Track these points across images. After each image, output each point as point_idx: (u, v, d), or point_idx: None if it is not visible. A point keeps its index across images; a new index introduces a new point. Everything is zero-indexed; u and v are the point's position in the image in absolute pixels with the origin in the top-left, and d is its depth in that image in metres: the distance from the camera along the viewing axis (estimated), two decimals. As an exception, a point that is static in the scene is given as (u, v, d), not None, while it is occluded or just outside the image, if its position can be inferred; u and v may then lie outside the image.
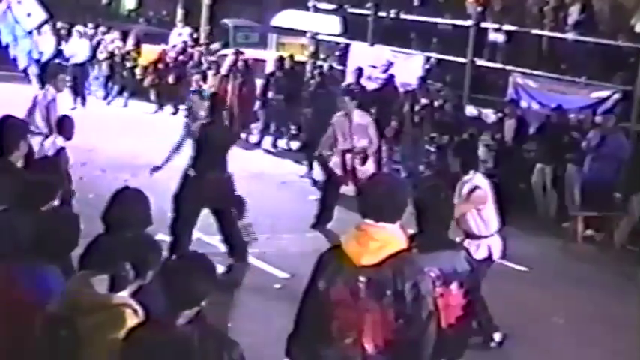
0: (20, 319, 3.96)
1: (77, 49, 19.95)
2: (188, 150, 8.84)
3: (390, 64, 17.01)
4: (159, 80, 19.92)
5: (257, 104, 17.15)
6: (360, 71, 16.05)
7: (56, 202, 4.89)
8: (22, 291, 4.04)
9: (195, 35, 22.75)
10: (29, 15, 16.09)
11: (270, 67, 17.64)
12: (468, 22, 16.15)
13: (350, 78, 16.87)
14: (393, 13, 17.91)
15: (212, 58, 18.93)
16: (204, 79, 18.47)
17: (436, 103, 14.56)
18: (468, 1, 16.14)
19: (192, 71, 18.92)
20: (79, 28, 20.90)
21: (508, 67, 15.65)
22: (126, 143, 14.39)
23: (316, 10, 19.83)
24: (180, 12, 26.69)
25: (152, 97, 20.27)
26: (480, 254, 6.93)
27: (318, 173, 12.02)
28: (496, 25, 16.10)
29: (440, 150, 13.95)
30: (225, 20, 24.83)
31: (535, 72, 15.16)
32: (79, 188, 9.26)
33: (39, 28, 16.58)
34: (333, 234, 10.16)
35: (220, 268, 7.98)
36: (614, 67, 14.47)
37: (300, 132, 16.33)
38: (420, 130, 14.16)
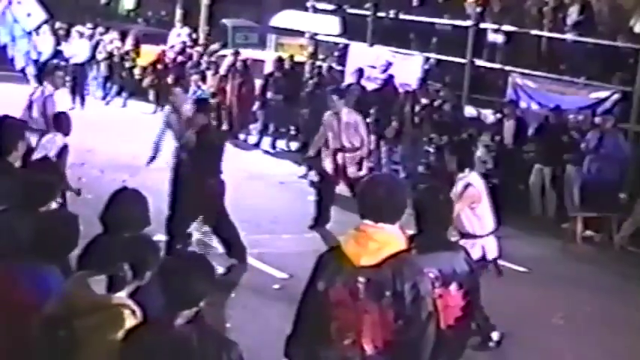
0: (19, 319, 3.95)
1: (77, 49, 19.95)
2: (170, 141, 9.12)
3: (389, 65, 17.00)
4: (158, 81, 19.91)
5: (256, 105, 17.15)
6: (360, 72, 16.06)
7: (56, 203, 4.89)
8: (21, 291, 4.04)
9: (194, 35, 22.75)
10: (29, 15, 16.09)
11: (269, 68, 17.64)
12: (467, 23, 16.15)
13: (349, 78, 16.87)
14: (392, 14, 17.91)
15: (211, 59, 18.92)
16: (204, 79, 18.46)
17: (435, 104, 14.56)
18: (467, 1, 16.14)
19: (191, 71, 18.90)
20: (79, 28, 20.91)
21: (507, 68, 15.65)
22: (124, 144, 14.37)
23: (315, 10, 19.84)
24: (179, 12, 26.67)
25: (151, 97, 20.26)
26: (474, 254, 6.92)
27: (314, 174, 12.01)
28: (495, 26, 16.10)
29: (439, 150, 13.95)
30: (225, 21, 24.82)
31: (534, 72, 15.16)
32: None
33: (38, 28, 16.58)
34: (331, 235, 10.16)
35: (219, 269, 7.98)
36: (613, 67, 14.47)
37: (299, 132, 16.32)
38: (419, 130, 14.15)
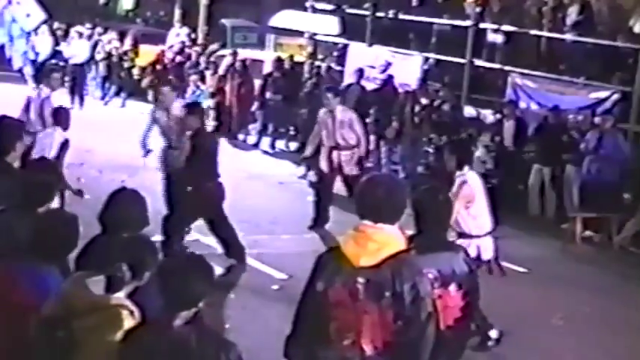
0: (18, 319, 3.94)
1: (77, 49, 19.95)
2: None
3: (389, 65, 17.00)
4: (157, 81, 19.89)
5: (255, 105, 17.14)
6: (360, 72, 16.06)
7: (55, 203, 4.88)
8: (20, 291, 4.03)
9: (193, 35, 22.74)
10: (28, 15, 16.08)
11: (268, 68, 17.63)
12: (467, 23, 16.14)
13: (349, 78, 16.87)
14: (391, 14, 17.91)
15: (210, 59, 18.92)
16: (203, 79, 18.46)
17: (435, 104, 14.55)
18: (467, 1, 16.13)
19: (190, 71, 18.89)
20: (78, 28, 20.91)
21: (507, 68, 15.65)
22: (123, 144, 14.35)
23: (314, 10, 19.83)
24: (177, 12, 26.68)
25: (150, 97, 20.24)
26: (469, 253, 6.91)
27: (313, 173, 12.00)
28: (495, 26, 16.10)
29: (438, 151, 13.94)
30: (224, 21, 24.82)
31: (534, 72, 15.16)
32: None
33: (37, 28, 16.58)
34: (330, 235, 10.15)
35: (218, 270, 7.96)
36: (612, 67, 14.47)
37: (298, 132, 16.31)
38: (419, 130, 14.15)
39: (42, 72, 15.01)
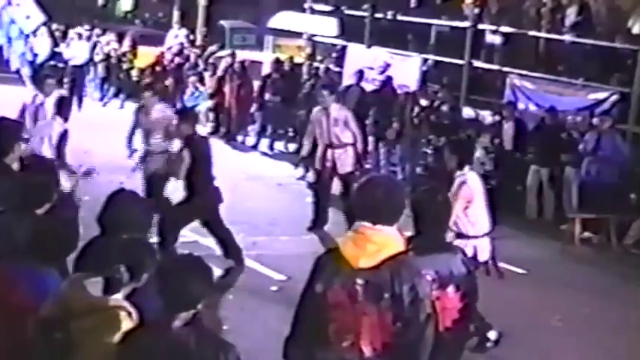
0: (16, 321, 3.94)
1: (77, 51, 19.95)
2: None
3: (387, 66, 17.00)
4: (157, 83, 19.88)
5: (254, 106, 17.14)
6: (360, 74, 16.06)
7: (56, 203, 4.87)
8: (18, 293, 4.02)
9: (191, 37, 22.74)
10: (28, 17, 16.06)
11: (266, 69, 17.63)
12: (465, 24, 16.15)
13: (348, 80, 16.87)
14: (389, 15, 17.91)
15: (209, 60, 18.92)
16: (201, 80, 18.46)
17: (434, 105, 14.55)
18: (465, 2, 16.13)
19: (189, 73, 18.90)
20: (78, 29, 20.92)
21: (505, 69, 15.66)
22: (121, 145, 14.33)
23: (313, 11, 19.83)
24: (176, 13, 26.68)
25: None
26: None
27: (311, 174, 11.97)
28: (493, 27, 16.11)
29: (437, 152, 13.95)
30: (222, 22, 24.82)
31: (532, 74, 15.16)
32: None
33: (36, 30, 16.56)
34: (329, 237, 10.14)
35: (217, 271, 7.96)
36: (611, 68, 14.48)
37: (296, 134, 16.30)
38: (418, 131, 14.15)
39: (40, 74, 14.99)
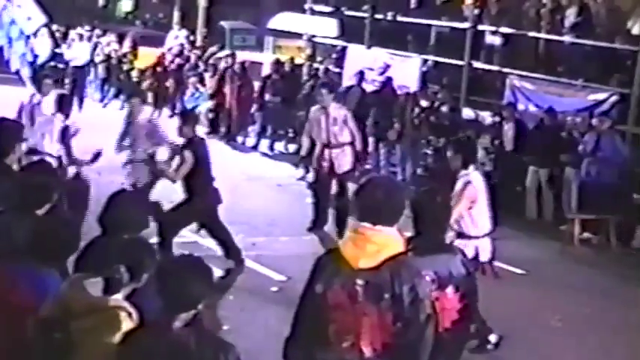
0: (16, 321, 3.94)
1: (78, 52, 19.97)
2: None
3: (387, 67, 17.01)
4: (158, 84, 19.89)
5: (254, 107, 17.15)
6: (361, 75, 16.06)
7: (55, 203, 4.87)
8: (19, 293, 4.02)
9: (191, 38, 22.74)
10: (29, 19, 16.07)
11: (267, 70, 17.64)
12: (465, 25, 16.15)
13: (348, 80, 16.88)
14: (389, 16, 17.92)
15: (210, 61, 18.93)
16: (202, 81, 18.48)
17: (434, 106, 14.56)
18: (465, 3, 16.14)
19: (189, 74, 18.91)
20: (79, 30, 20.93)
21: (505, 70, 15.66)
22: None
23: (313, 12, 19.84)
24: (176, 14, 26.70)
25: (149, 99, 20.21)
26: (467, 253, 6.90)
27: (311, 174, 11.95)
28: (493, 28, 16.11)
29: (436, 153, 13.96)
30: (222, 23, 24.83)
31: (532, 74, 15.16)
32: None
33: (37, 31, 16.57)
34: (329, 237, 10.15)
35: (217, 272, 7.97)
36: (611, 69, 14.47)
37: (296, 135, 16.31)
38: (418, 132, 14.16)
39: (40, 74, 15.00)
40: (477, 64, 16.20)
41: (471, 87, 16.08)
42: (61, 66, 19.44)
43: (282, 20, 21.80)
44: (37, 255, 4.10)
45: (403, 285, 3.82)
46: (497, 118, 13.74)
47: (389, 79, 16.19)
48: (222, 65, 17.94)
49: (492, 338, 7.33)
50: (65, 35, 21.15)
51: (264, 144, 16.90)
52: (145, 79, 20.29)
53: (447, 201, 4.98)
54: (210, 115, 17.84)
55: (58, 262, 4.17)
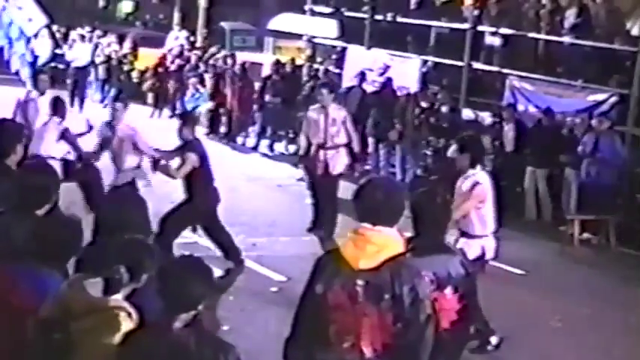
0: (16, 321, 3.94)
1: (79, 52, 19.99)
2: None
3: (387, 68, 17.01)
4: (159, 85, 19.92)
5: (254, 107, 17.16)
6: (362, 75, 16.05)
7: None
8: (19, 293, 4.02)
9: (192, 38, 22.76)
10: (30, 20, 16.08)
11: (267, 71, 17.65)
12: (465, 26, 16.16)
13: (348, 81, 16.88)
14: (389, 17, 17.92)
15: (210, 62, 18.95)
16: (202, 82, 18.49)
17: (434, 107, 14.57)
18: (465, 4, 16.15)
19: (190, 75, 18.93)
20: (80, 31, 20.95)
21: (505, 71, 15.66)
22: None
23: (313, 13, 19.84)
24: (177, 15, 26.71)
25: (149, 100, 20.25)
26: (472, 253, 6.91)
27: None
28: (493, 29, 16.12)
29: (436, 153, 13.97)
30: (222, 23, 24.85)
31: (532, 75, 15.17)
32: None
33: (38, 32, 16.58)
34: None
35: (217, 272, 7.97)
36: (610, 70, 14.47)
37: (296, 135, 16.31)
38: (419, 133, 14.17)
39: (37, 75, 15.03)
40: (476, 65, 16.20)
41: (471, 88, 16.08)
42: (61, 66, 19.44)
43: (282, 21, 21.82)
44: (39, 256, 4.10)
45: (403, 285, 3.83)
46: (496, 119, 13.75)
47: (389, 80, 16.20)
48: (220, 65, 17.98)
49: (493, 340, 7.34)
50: (66, 36, 21.17)
51: (264, 144, 16.91)
52: (146, 79, 20.34)
53: (447, 202, 4.98)
54: (210, 116, 17.85)
55: (60, 263, 4.17)
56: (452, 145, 12.72)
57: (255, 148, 16.89)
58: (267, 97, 16.80)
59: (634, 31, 14.34)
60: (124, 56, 20.97)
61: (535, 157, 12.68)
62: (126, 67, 20.80)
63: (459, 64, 16.25)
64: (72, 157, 9.62)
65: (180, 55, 20.16)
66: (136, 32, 23.76)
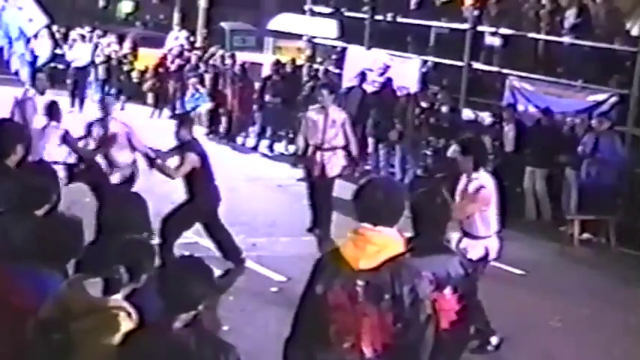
0: (16, 322, 3.94)
1: (80, 53, 19.99)
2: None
3: (387, 68, 17.01)
4: (159, 85, 19.92)
5: (254, 107, 17.16)
6: (363, 76, 16.05)
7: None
8: (18, 294, 4.02)
9: (192, 39, 22.77)
10: (31, 20, 16.09)
11: (267, 71, 17.65)
12: (465, 26, 16.16)
13: (348, 81, 16.88)
14: (389, 17, 17.92)
15: (209, 62, 18.95)
16: (202, 82, 18.50)
17: (434, 107, 14.57)
18: (465, 4, 16.15)
19: (190, 75, 18.94)
20: (80, 31, 20.95)
21: (505, 71, 15.66)
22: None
23: (313, 13, 19.84)
24: (176, 15, 26.71)
25: (149, 100, 20.26)
26: (476, 254, 6.91)
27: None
28: (492, 29, 16.12)
29: (436, 153, 13.97)
30: (222, 24, 24.86)
31: (532, 75, 15.17)
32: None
33: (38, 32, 16.58)
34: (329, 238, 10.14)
35: (218, 272, 7.98)
36: (610, 70, 14.47)
37: (296, 135, 16.31)
38: (419, 133, 14.17)
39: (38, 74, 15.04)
40: (476, 65, 16.20)
41: (471, 88, 16.08)
42: (61, 67, 19.45)
43: (282, 21, 21.82)
44: (39, 256, 4.10)
45: (403, 286, 3.83)
46: (496, 119, 13.75)
47: (389, 80, 16.20)
48: (220, 65, 17.99)
49: (494, 340, 7.34)
50: (65, 36, 21.17)
51: (264, 145, 16.92)
52: (146, 80, 20.34)
53: (446, 202, 4.98)
54: (210, 116, 17.86)
55: (61, 264, 4.18)
56: (452, 145, 12.87)
57: (255, 149, 16.89)
58: (267, 97, 16.80)
59: (634, 31, 14.34)
60: (124, 56, 20.98)
61: (534, 157, 12.69)
62: (126, 67, 20.81)
63: (459, 64, 16.25)
64: (73, 159, 9.60)
65: (180, 55, 20.17)
66: (135, 32, 23.77)
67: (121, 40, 21.58)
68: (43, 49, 17.01)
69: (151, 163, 9.14)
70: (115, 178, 9.60)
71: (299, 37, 20.14)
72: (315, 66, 18.44)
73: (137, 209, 4.46)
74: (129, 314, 3.66)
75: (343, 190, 10.85)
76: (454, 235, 6.90)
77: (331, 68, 18.31)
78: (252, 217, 11.00)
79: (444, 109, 14.46)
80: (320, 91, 10.92)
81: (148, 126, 17.98)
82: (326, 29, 19.63)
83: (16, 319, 3.94)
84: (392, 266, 3.85)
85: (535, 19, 15.94)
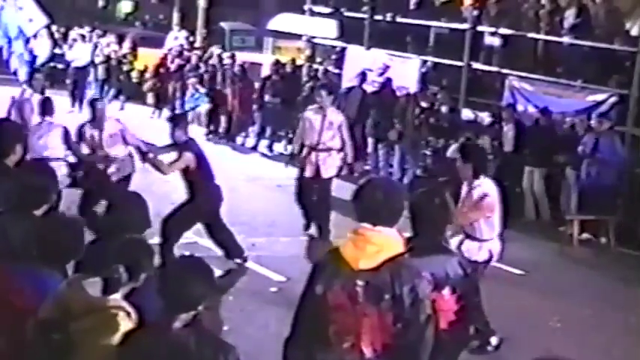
0: (16, 322, 3.94)
1: (79, 53, 19.99)
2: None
3: (387, 68, 17.01)
4: (160, 85, 19.92)
5: (254, 107, 17.16)
6: (363, 76, 16.06)
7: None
8: (18, 294, 4.02)
9: (191, 39, 22.77)
10: (31, 20, 16.09)
11: (266, 71, 17.65)
12: (464, 26, 16.16)
13: (347, 82, 16.87)
14: (389, 17, 17.92)
15: (209, 62, 18.95)
16: (202, 82, 18.49)
17: (434, 107, 14.58)
18: (464, 4, 16.15)
19: (190, 75, 18.94)
20: (80, 31, 20.94)
21: (504, 71, 15.67)
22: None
23: (312, 13, 19.84)
24: (176, 15, 26.71)
25: (149, 100, 20.26)
26: (481, 256, 6.92)
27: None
28: (492, 29, 16.12)
29: (435, 154, 13.97)
30: (222, 24, 24.86)
31: (531, 75, 15.17)
32: (76, 192, 9.27)
33: (37, 32, 16.59)
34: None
35: (218, 272, 7.97)
36: (610, 70, 14.47)
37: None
38: (418, 133, 14.17)
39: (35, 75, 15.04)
40: (476, 65, 16.20)
41: (470, 88, 16.08)
42: (61, 66, 19.45)
43: (282, 21, 21.82)
44: (40, 257, 4.10)
45: (403, 286, 3.83)
46: (496, 119, 13.75)
47: (388, 80, 16.20)
48: (219, 65, 17.99)
49: (493, 341, 7.33)
50: (65, 36, 21.17)
51: (264, 145, 16.91)
52: (145, 80, 20.34)
53: (445, 203, 4.98)
54: (210, 116, 17.86)
55: (61, 264, 4.17)
56: (451, 145, 12.88)
57: (254, 148, 16.89)
58: (266, 97, 16.80)
59: (633, 31, 14.34)
60: (124, 56, 20.97)
61: (534, 157, 12.69)
62: (125, 67, 20.80)
63: (459, 64, 16.25)
64: (72, 159, 9.60)
65: (180, 55, 20.17)
66: (135, 32, 23.77)
67: (120, 40, 21.58)
68: (42, 49, 17.00)
69: (143, 156, 9.10)
70: (110, 171, 9.57)
71: (298, 37, 20.14)
72: (315, 66, 18.45)
73: (137, 209, 4.46)
74: (128, 314, 3.66)
75: (342, 190, 10.88)
76: (457, 238, 6.89)
77: (331, 68, 18.30)
78: (251, 217, 10.99)
79: (444, 109, 14.47)
80: (319, 91, 10.91)
81: (149, 126, 18.01)
82: (325, 29, 19.63)
83: (16, 319, 3.94)
84: (392, 266, 3.85)
85: (535, 19, 15.94)
